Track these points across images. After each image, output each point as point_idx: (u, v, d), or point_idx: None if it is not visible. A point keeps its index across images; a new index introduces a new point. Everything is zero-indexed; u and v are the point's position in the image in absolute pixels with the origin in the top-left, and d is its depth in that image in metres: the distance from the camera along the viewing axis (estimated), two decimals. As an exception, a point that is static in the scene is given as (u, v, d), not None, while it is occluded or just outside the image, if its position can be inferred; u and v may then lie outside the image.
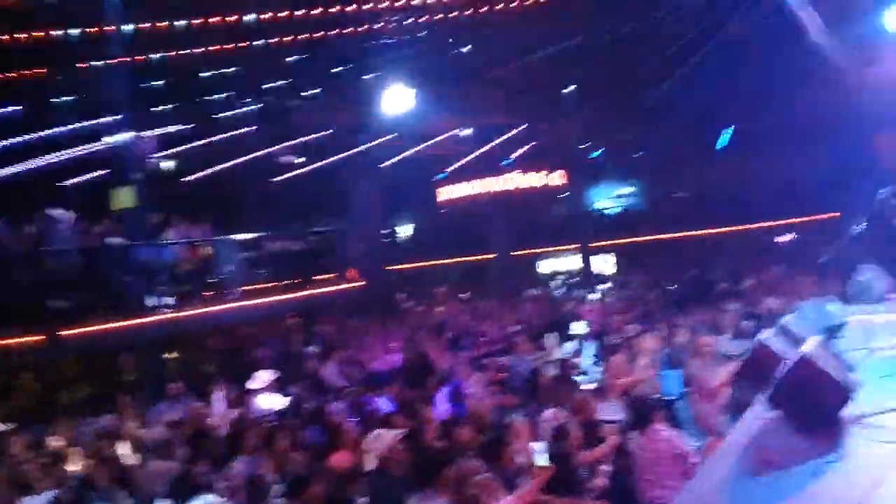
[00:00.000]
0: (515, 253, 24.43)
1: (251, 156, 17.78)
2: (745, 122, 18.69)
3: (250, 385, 9.37)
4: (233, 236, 16.15)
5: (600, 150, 26.66)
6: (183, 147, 16.81)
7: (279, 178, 19.91)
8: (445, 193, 25.26)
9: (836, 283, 9.88)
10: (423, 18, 13.49)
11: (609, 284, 16.67)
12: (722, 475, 4.11)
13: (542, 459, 4.53)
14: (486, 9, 13.68)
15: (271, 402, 8.74)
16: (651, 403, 5.50)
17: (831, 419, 4.31)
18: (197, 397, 9.51)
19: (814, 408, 4.31)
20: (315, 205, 21.80)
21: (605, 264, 25.36)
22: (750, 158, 22.24)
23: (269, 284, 16.43)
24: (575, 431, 5.32)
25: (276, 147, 18.44)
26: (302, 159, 21.00)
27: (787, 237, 23.38)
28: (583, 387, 7.68)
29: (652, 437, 5.09)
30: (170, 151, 16.10)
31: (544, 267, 26.91)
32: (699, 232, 23.38)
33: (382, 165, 19.12)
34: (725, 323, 9.22)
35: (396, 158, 19.42)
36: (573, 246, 24.36)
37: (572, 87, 20.34)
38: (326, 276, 19.67)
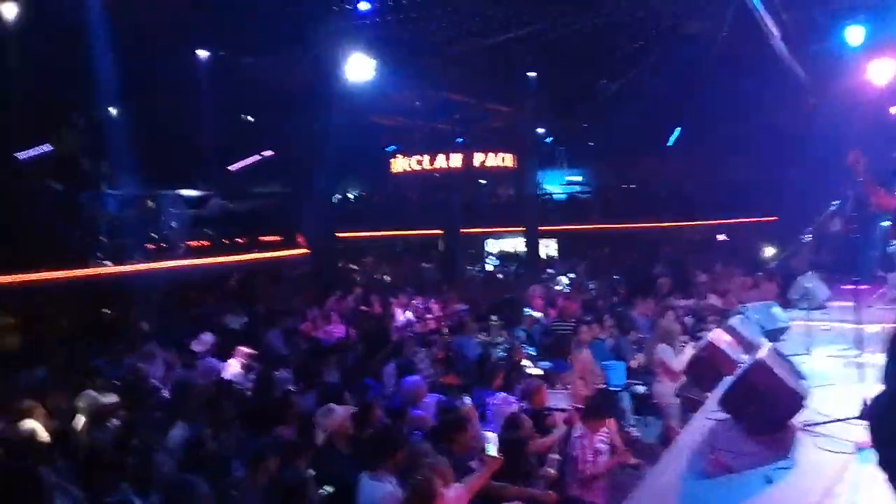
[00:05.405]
0: (464, 231, 24.52)
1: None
2: (695, 120, 19.01)
3: (194, 347, 9.22)
4: (179, 191, 15.82)
5: (552, 136, 26.83)
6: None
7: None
8: (398, 165, 25.15)
9: (772, 287, 10.29)
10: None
11: (552, 271, 16.88)
12: (675, 475, 4.28)
13: (492, 449, 4.58)
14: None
15: (215, 367, 8.61)
16: (607, 396, 5.64)
17: (783, 426, 4.53)
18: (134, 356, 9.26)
19: (766, 414, 4.51)
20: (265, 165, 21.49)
21: (547, 249, 25.68)
22: (697, 157, 22.78)
23: (212, 244, 16.16)
24: (527, 420, 5.42)
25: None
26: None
27: (724, 236, 24.09)
28: (529, 372, 7.82)
29: (599, 430, 5.23)
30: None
31: (491, 247, 27.08)
32: (644, 224, 23.84)
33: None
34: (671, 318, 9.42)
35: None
36: (518, 228, 24.55)
37: (531, 73, 20.32)
38: (272, 238, 19.39)
